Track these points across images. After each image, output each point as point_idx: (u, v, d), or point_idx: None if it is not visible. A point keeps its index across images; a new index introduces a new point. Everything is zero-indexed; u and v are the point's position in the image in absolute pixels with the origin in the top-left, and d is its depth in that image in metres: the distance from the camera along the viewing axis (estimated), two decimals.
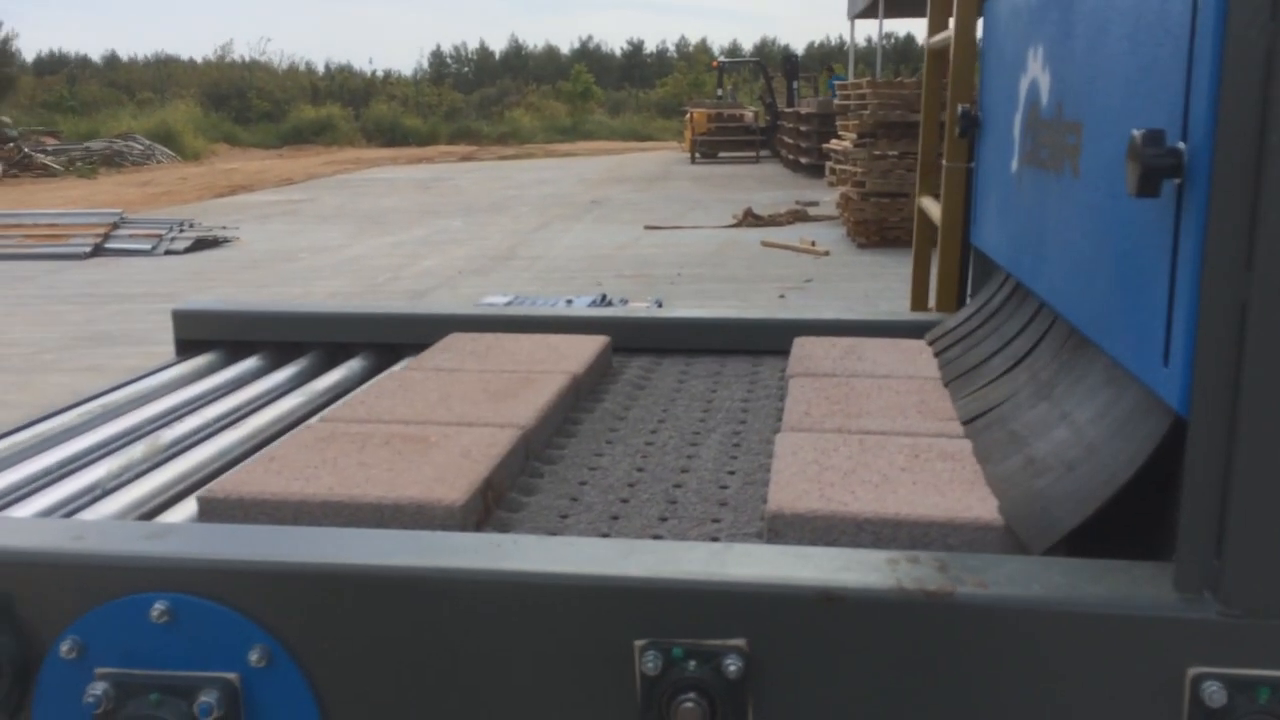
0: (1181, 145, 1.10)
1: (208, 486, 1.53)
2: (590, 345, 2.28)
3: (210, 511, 1.48)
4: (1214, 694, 1.08)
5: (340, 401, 2.07)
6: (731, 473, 1.74)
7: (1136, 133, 1.11)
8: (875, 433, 1.69)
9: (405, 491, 1.47)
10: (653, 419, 2.04)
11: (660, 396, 2.19)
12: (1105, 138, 1.40)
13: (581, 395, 2.13)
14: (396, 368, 2.40)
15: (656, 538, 1.49)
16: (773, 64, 30.78)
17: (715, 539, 1.49)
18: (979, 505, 1.39)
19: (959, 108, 2.43)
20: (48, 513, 1.63)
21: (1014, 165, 2.00)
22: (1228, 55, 1.00)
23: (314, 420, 1.87)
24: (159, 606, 1.22)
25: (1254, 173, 1.00)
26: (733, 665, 1.15)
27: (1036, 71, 1.82)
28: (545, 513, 1.59)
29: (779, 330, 2.47)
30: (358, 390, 2.16)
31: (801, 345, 2.26)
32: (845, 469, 1.52)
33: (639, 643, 1.17)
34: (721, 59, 36.02)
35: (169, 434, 2.01)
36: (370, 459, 1.61)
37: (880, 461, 1.55)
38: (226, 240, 13.90)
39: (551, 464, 1.80)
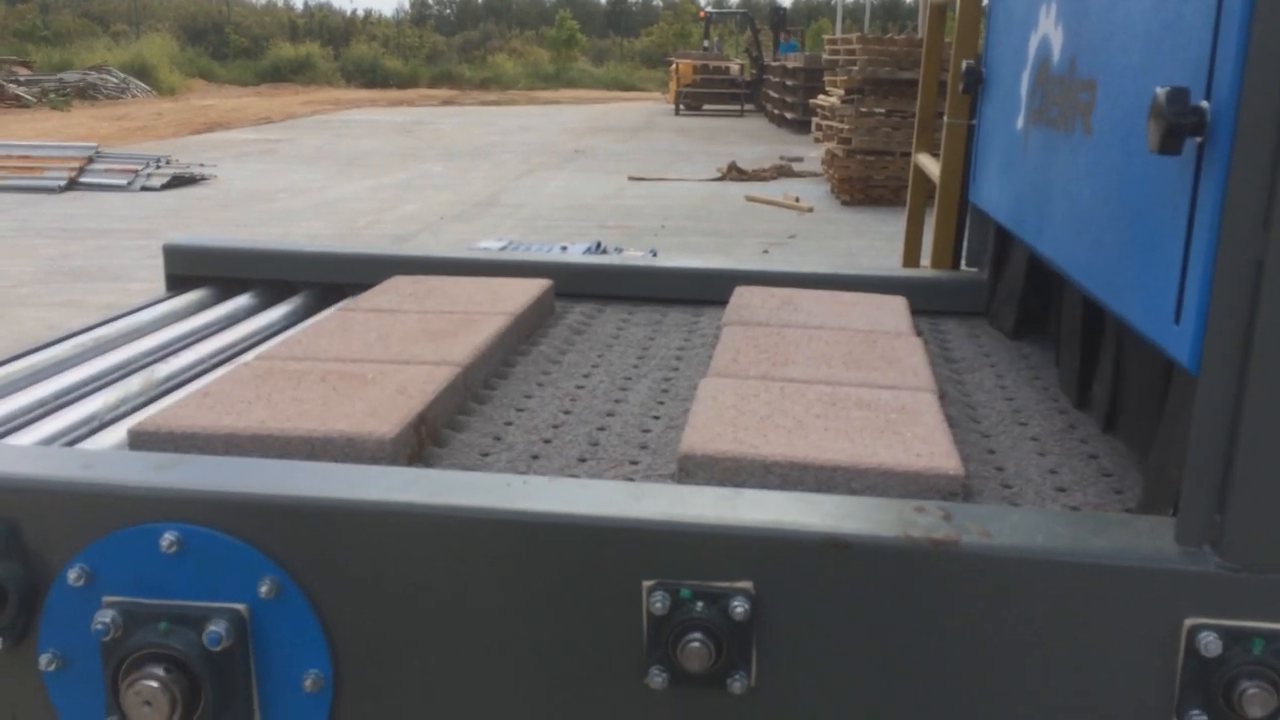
0: (1205, 104, 1.10)
1: (139, 421, 1.53)
2: (531, 288, 2.29)
3: (141, 444, 1.48)
4: (1210, 644, 1.10)
5: (278, 340, 2.06)
6: (656, 417, 1.78)
7: (1160, 90, 1.11)
8: (797, 380, 1.73)
9: (336, 425, 1.48)
10: (587, 364, 2.06)
11: (597, 342, 2.21)
12: (1121, 95, 1.41)
13: (521, 337, 2.15)
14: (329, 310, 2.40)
15: (571, 477, 1.52)
16: (760, 16, 30.48)
17: (630, 479, 1.52)
18: (884, 451, 1.43)
19: (963, 63, 2.43)
20: (47, 442, 1.63)
21: (1020, 123, 2.00)
22: (1258, 14, 1.01)
23: (250, 357, 1.87)
24: (169, 536, 1.22)
25: (1277, 132, 1.01)
26: (739, 607, 1.17)
27: (1048, 28, 1.82)
28: (467, 450, 1.61)
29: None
30: (296, 329, 2.15)
31: (740, 295, 2.27)
32: (761, 414, 1.55)
33: (647, 583, 1.19)
34: (708, 9, 35.58)
35: (164, 368, 2.00)
36: (305, 394, 1.61)
37: (797, 408, 1.59)
38: (203, 178, 13.70)
39: (481, 403, 1.82)
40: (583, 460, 1.60)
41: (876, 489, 1.38)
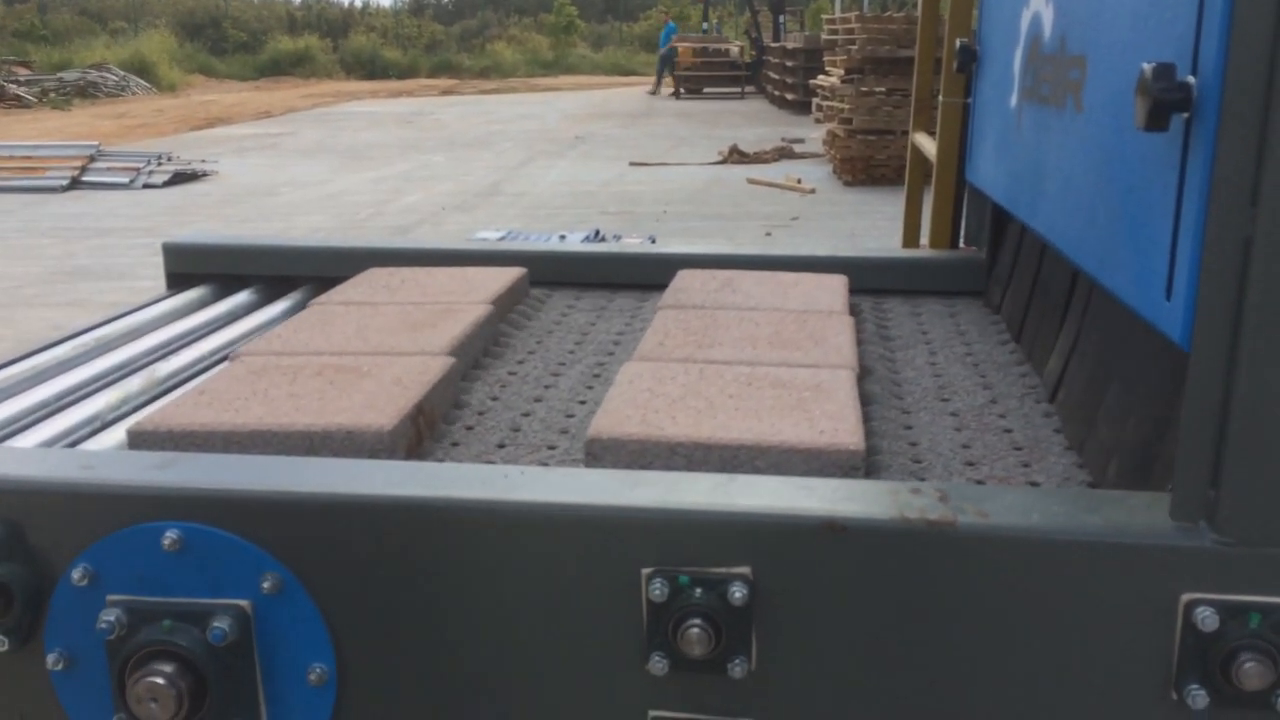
0: (1191, 79, 1.10)
1: (137, 420, 1.54)
2: (505, 276, 2.29)
3: (140, 443, 1.49)
4: (1206, 619, 1.11)
5: (269, 333, 2.07)
6: (582, 402, 1.79)
7: (1147, 66, 1.11)
8: (718, 362, 1.73)
9: (334, 419, 1.49)
10: (524, 349, 2.07)
11: (538, 328, 2.21)
12: (1110, 72, 1.40)
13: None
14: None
15: (488, 463, 1.53)
16: None
17: (545, 464, 1.53)
18: (788, 429, 1.44)
19: (957, 42, 2.42)
20: (49, 444, 1.64)
21: (1013, 101, 1.99)
22: None
23: (244, 353, 1.87)
24: (170, 535, 1.23)
25: (1263, 108, 1.01)
26: (738, 592, 1.17)
27: (1039, 5, 1.81)
28: None
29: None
30: (281, 324, 2.16)
31: (682, 278, 2.27)
32: (674, 396, 1.56)
33: (646, 570, 1.19)
34: None
35: (165, 367, 2.01)
36: (301, 389, 1.62)
37: (711, 389, 1.59)
38: (205, 174, 13.71)
39: None
40: (501, 446, 1.61)
41: (779, 467, 1.39)
